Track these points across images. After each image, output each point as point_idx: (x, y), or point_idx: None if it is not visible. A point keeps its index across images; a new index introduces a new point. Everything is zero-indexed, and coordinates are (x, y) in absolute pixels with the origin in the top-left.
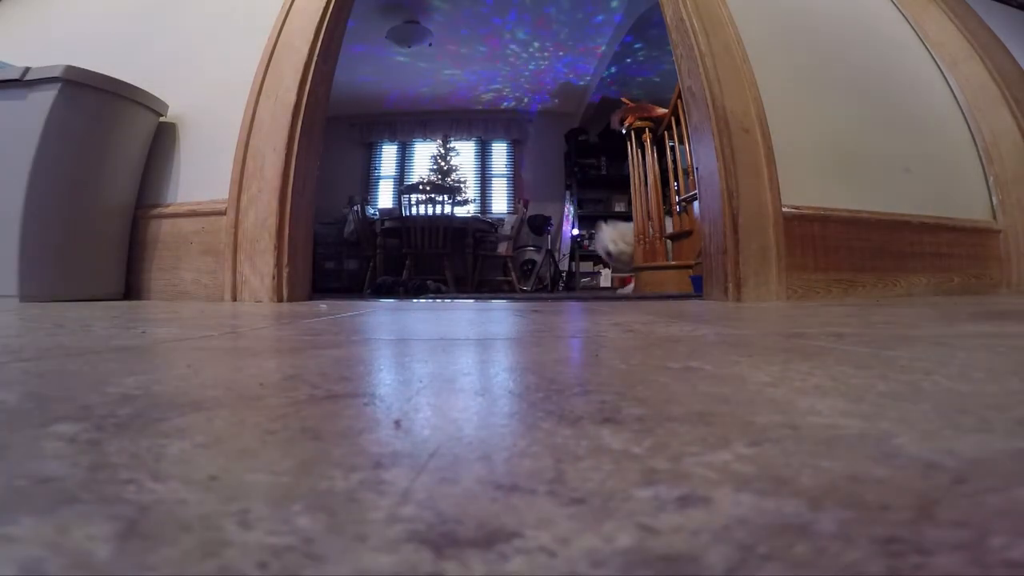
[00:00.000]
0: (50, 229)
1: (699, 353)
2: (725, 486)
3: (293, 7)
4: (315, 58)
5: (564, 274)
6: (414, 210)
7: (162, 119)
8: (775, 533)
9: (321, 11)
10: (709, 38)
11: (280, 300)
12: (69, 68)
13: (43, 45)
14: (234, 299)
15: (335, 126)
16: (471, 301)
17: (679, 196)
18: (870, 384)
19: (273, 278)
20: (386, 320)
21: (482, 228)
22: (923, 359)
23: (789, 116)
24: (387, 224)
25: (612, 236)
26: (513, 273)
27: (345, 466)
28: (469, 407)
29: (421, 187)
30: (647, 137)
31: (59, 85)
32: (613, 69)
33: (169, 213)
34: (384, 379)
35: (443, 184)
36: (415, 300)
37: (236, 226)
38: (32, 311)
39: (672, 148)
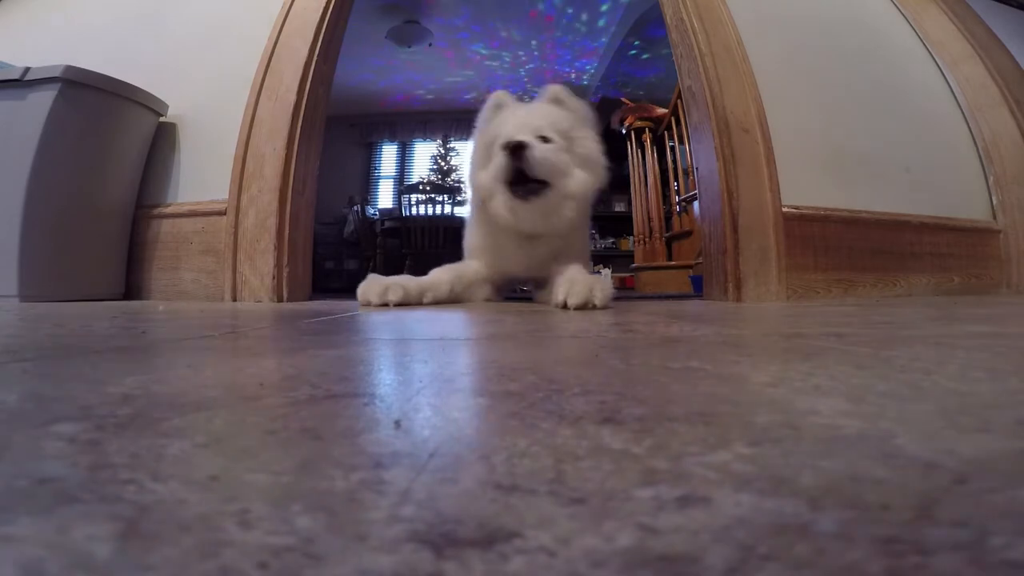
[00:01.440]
0: (50, 229)
1: (699, 353)
2: (725, 486)
3: (293, 7)
4: (315, 58)
5: None
6: (414, 210)
7: (162, 119)
8: (775, 533)
9: (321, 11)
10: (709, 38)
11: (280, 300)
12: (69, 68)
13: (43, 45)
14: (234, 299)
15: (335, 126)
16: (471, 301)
17: (679, 196)
18: (870, 384)
19: (273, 278)
20: (386, 320)
21: None
22: (923, 359)
23: (789, 116)
24: (387, 224)
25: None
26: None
27: (345, 466)
28: (469, 407)
29: (421, 187)
30: (647, 137)
31: (59, 85)
32: (613, 69)
33: (169, 213)
34: (384, 379)
35: (443, 184)
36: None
37: (236, 226)
38: (32, 311)
39: (672, 148)
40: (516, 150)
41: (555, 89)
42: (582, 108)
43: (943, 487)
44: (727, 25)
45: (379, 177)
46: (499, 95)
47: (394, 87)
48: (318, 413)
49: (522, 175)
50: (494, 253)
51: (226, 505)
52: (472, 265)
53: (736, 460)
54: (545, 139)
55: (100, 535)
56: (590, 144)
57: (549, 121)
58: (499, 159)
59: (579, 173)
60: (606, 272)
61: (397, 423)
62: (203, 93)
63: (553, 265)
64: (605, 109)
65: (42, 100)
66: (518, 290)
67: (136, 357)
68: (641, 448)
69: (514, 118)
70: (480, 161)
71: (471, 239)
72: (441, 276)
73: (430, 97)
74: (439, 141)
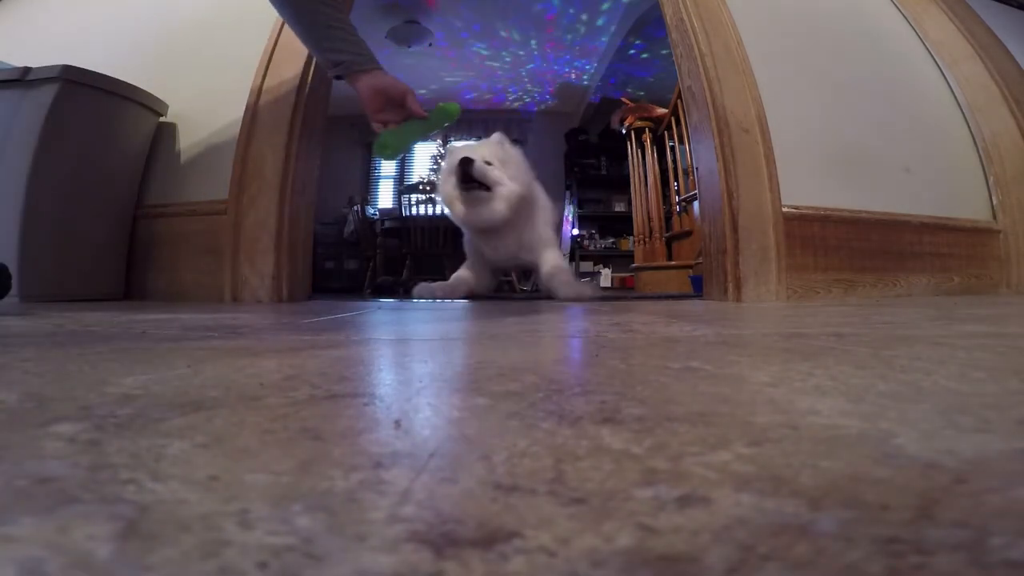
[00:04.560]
0: (50, 229)
1: (699, 353)
2: (725, 486)
3: None
4: (315, 58)
5: None
6: (414, 210)
7: (162, 119)
8: (775, 533)
9: None
10: (709, 38)
11: (280, 300)
12: (68, 68)
13: (43, 45)
14: (234, 299)
15: (335, 126)
16: (471, 301)
17: (679, 196)
18: (870, 384)
19: (273, 278)
20: (386, 320)
21: None
22: (923, 359)
23: (789, 116)
24: (387, 224)
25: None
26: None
27: (345, 466)
28: (469, 407)
29: (421, 187)
30: (647, 137)
31: (59, 85)
32: (613, 69)
33: (169, 213)
34: (384, 379)
35: None
36: (415, 300)
37: (236, 226)
38: (32, 311)
39: (672, 148)
40: (465, 163)
41: (497, 136)
42: (513, 150)
43: (943, 487)
44: (727, 25)
45: (379, 177)
46: (452, 145)
47: None
48: (318, 413)
49: (470, 179)
50: (481, 252)
51: (226, 505)
52: (467, 269)
53: (736, 460)
54: (487, 163)
55: (100, 535)
56: (517, 168)
57: (489, 151)
58: (456, 172)
59: (510, 183)
60: (606, 272)
61: (397, 423)
62: (203, 93)
63: (527, 253)
64: (605, 109)
65: (42, 100)
66: (517, 289)
67: (136, 357)
68: (641, 448)
69: (465, 149)
70: (444, 182)
71: (466, 246)
72: (459, 286)
73: (430, 97)
74: (439, 141)
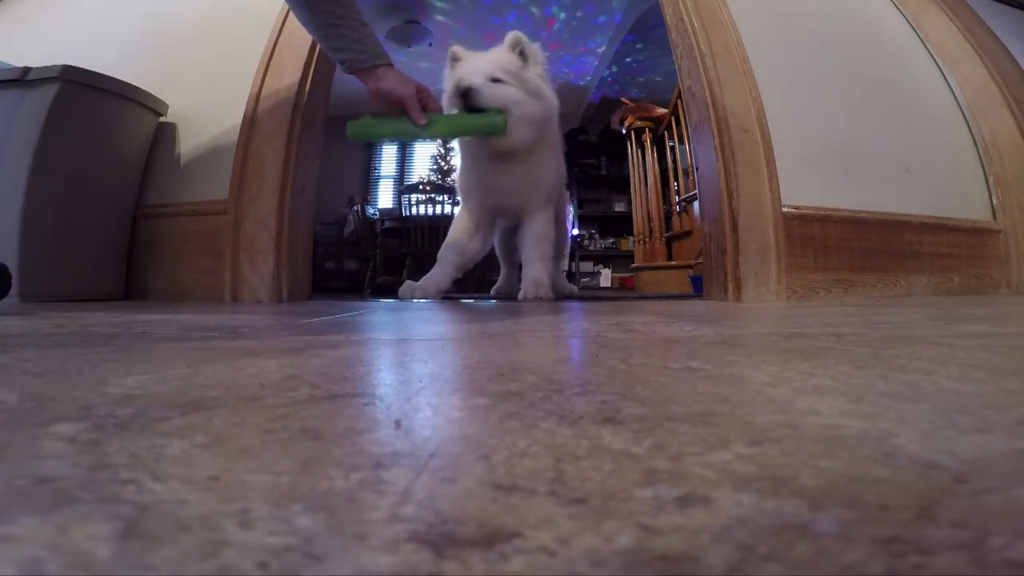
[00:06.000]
0: (50, 228)
1: (699, 353)
2: (725, 486)
3: None
4: (315, 58)
5: (564, 274)
6: (414, 210)
7: (162, 119)
8: (775, 533)
9: None
10: (709, 38)
11: (280, 300)
12: (68, 68)
13: (43, 45)
14: (234, 299)
15: (335, 126)
16: (471, 301)
17: (679, 196)
18: (870, 384)
19: (273, 278)
20: (386, 320)
21: None
22: (923, 359)
23: (789, 116)
24: (387, 224)
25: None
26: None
27: (345, 466)
28: (469, 407)
29: (421, 187)
30: (647, 137)
31: (59, 85)
32: (613, 69)
33: (169, 213)
34: (384, 379)
35: (443, 184)
36: (414, 300)
37: (236, 226)
38: (32, 311)
39: (672, 148)
40: (465, 94)
41: (514, 35)
42: (536, 52)
43: (943, 487)
44: (727, 25)
45: (379, 177)
46: (454, 50)
47: None
48: (318, 413)
49: (476, 110)
50: (478, 184)
51: (226, 505)
52: (461, 223)
53: (736, 460)
54: (496, 79)
55: (100, 535)
56: (537, 80)
57: (499, 65)
58: (457, 102)
59: (529, 101)
60: (606, 272)
61: (397, 423)
62: (203, 93)
63: (527, 200)
64: (605, 109)
65: (42, 100)
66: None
67: (136, 357)
68: (641, 448)
69: (468, 66)
70: (448, 106)
71: (460, 180)
72: (444, 268)
73: None
74: (439, 141)
